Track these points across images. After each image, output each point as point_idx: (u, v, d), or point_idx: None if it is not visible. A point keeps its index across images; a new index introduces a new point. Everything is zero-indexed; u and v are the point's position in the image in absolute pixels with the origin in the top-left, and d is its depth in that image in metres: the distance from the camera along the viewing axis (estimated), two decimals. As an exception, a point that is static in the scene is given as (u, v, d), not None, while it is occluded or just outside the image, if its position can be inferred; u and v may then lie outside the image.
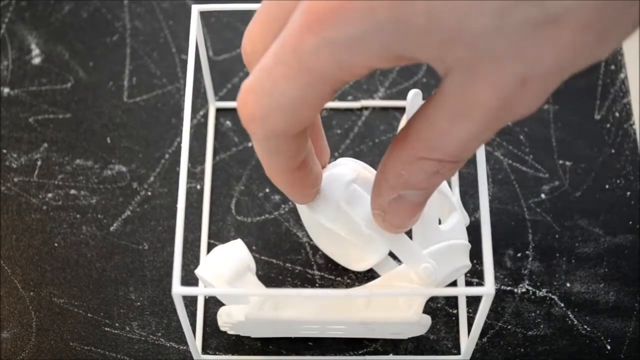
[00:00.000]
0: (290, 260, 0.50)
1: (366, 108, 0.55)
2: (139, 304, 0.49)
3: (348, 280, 0.50)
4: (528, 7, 0.28)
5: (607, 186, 0.52)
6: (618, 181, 0.53)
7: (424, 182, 0.35)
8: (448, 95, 0.31)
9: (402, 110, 0.55)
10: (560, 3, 0.28)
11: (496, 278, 0.50)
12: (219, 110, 0.55)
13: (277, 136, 0.34)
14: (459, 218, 0.45)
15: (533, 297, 0.49)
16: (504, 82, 0.30)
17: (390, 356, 0.48)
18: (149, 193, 0.53)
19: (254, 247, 0.51)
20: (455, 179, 0.52)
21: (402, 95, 0.55)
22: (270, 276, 0.50)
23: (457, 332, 0.48)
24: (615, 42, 0.30)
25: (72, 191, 0.53)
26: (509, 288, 0.50)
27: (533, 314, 0.49)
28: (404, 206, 0.36)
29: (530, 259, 0.50)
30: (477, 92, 0.30)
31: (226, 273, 0.44)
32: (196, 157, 0.53)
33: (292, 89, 0.32)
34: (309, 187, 0.39)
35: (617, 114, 0.55)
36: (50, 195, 0.52)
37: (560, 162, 0.53)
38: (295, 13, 0.31)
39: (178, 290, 0.39)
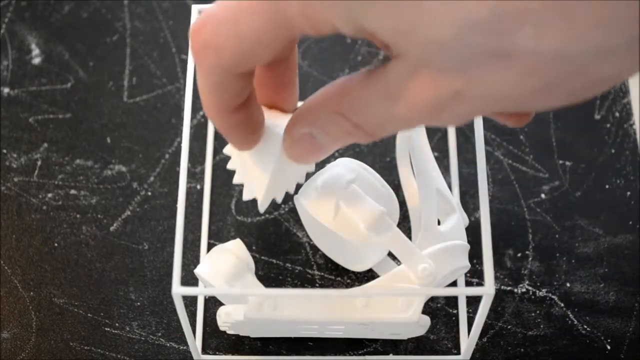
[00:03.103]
0: (290, 260, 0.50)
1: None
2: (139, 304, 0.49)
3: (348, 281, 0.50)
4: (486, 36, 0.29)
5: (607, 186, 0.52)
6: (618, 181, 0.53)
7: (335, 134, 0.36)
8: (390, 75, 0.32)
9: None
10: (517, 43, 0.29)
11: (496, 278, 0.50)
12: (219, 110, 0.55)
13: (223, 70, 0.34)
14: (458, 219, 0.45)
15: (533, 297, 0.49)
16: (440, 90, 0.31)
17: (390, 356, 0.48)
18: (149, 193, 0.53)
19: (254, 247, 0.51)
20: (455, 179, 0.52)
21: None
22: (270, 276, 0.50)
23: (457, 332, 0.48)
24: (562, 100, 0.31)
25: (72, 191, 0.53)
26: (509, 288, 0.50)
27: (533, 314, 0.49)
28: (311, 143, 0.37)
29: (530, 259, 0.50)
30: (414, 88, 0.31)
31: (225, 273, 0.44)
32: (196, 157, 0.53)
33: (254, 23, 0.32)
34: (248, 132, 0.39)
35: (617, 114, 0.55)
36: (50, 195, 0.52)
37: (560, 162, 0.53)
38: None
39: (178, 290, 0.39)
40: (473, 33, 0.29)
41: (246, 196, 0.44)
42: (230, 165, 0.44)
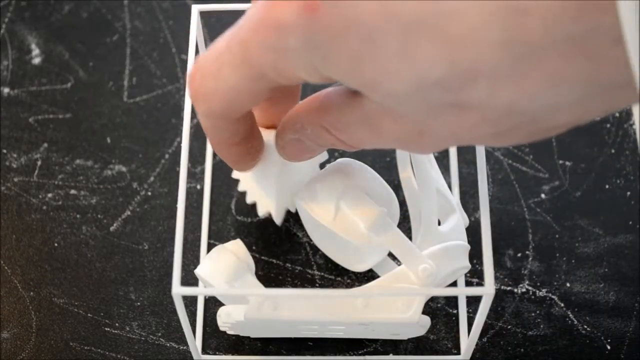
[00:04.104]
0: (290, 260, 0.50)
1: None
2: (139, 304, 0.49)
3: (348, 281, 0.50)
4: (443, 90, 0.30)
5: (607, 186, 0.52)
6: (618, 181, 0.53)
7: (322, 143, 0.38)
8: (366, 106, 0.34)
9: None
10: (472, 97, 0.30)
11: (496, 278, 0.50)
12: (219, 110, 0.55)
13: (217, 116, 0.37)
14: (458, 219, 0.45)
15: (533, 297, 0.49)
16: (404, 129, 0.34)
17: (390, 356, 0.48)
18: (149, 193, 0.53)
19: (254, 247, 0.51)
20: (455, 179, 0.52)
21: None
22: (270, 276, 0.50)
23: (457, 332, 0.48)
24: (521, 141, 0.33)
25: (72, 191, 0.53)
26: (509, 288, 0.50)
27: (533, 314, 0.49)
28: (299, 147, 0.40)
29: (530, 259, 0.50)
30: (386, 124, 0.34)
31: (225, 273, 0.44)
32: (196, 157, 0.53)
33: (233, 77, 0.34)
34: (248, 161, 0.42)
35: (617, 114, 0.55)
36: (50, 195, 0.52)
37: (560, 162, 0.53)
38: (250, 9, 0.34)
39: (178, 290, 0.39)
40: (430, 88, 0.30)
41: (261, 213, 0.47)
42: (240, 188, 0.48)
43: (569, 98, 0.30)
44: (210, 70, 0.35)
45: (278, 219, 0.47)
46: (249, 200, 0.48)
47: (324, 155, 0.48)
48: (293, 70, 0.33)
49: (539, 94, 0.30)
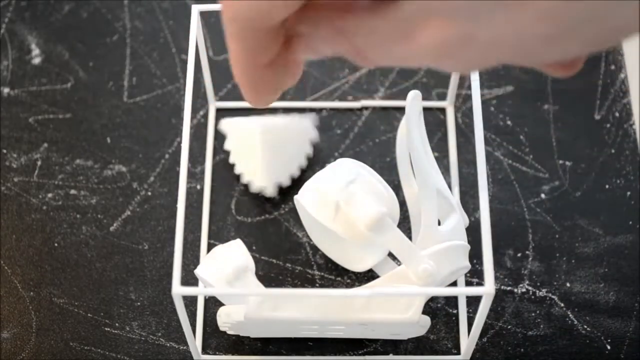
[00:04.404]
0: (290, 260, 0.50)
1: (366, 108, 0.55)
2: (139, 304, 0.49)
3: (348, 281, 0.50)
4: None
5: (607, 186, 0.52)
6: (618, 181, 0.53)
7: (331, 47, 0.34)
8: (402, 9, 0.31)
9: (402, 110, 0.55)
10: None
11: (496, 278, 0.50)
12: (219, 110, 0.55)
13: (245, 22, 0.33)
14: (459, 219, 0.45)
15: (533, 297, 0.49)
16: (450, 34, 0.30)
17: (390, 356, 0.48)
18: (149, 193, 0.53)
19: (254, 247, 0.51)
20: (455, 179, 0.52)
21: (402, 96, 0.55)
22: (270, 276, 0.50)
23: (457, 332, 0.48)
24: (574, 50, 0.30)
25: (72, 191, 0.53)
26: (509, 288, 0.50)
27: (533, 314, 0.49)
28: (307, 44, 0.35)
29: (530, 259, 0.50)
30: (425, 29, 0.31)
31: (225, 273, 0.44)
32: (196, 157, 0.53)
33: None
34: (270, 92, 0.37)
35: (617, 114, 0.55)
36: (50, 195, 0.52)
37: (560, 162, 0.53)
38: None
39: (178, 290, 0.39)
40: None
41: (255, 189, 0.51)
42: (237, 170, 0.52)
43: None
44: None
45: (270, 191, 0.51)
46: (244, 180, 0.52)
47: (314, 135, 0.52)
48: None
49: None
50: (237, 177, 0.52)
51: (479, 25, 0.30)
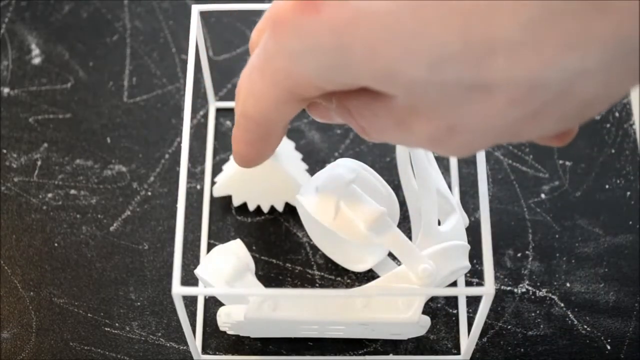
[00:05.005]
0: (290, 260, 0.50)
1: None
2: (139, 304, 0.49)
3: (348, 281, 0.50)
4: (460, 68, 0.29)
5: (607, 186, 0.52)
6: (618, 181, 0.53)
7: (343, 120, 0.37)
8: (395, 103, 0.33)
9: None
10: (492, 74, 0.29)
11: (496, 278, 0.50)
12: (219, 110, 0.55)
13: (248, 118, 0.37)
14: (459, 219, 0.45)
15: (533, 297, 0.49)
16: (434, 125, 0.32)
17: (390, 356, 0.48)
18: (149, 193, 0.53)
19: (254, 247, 0.51)
20: (455, 179, 0.52)
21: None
22: (270, 276, 0.50)
23: (457, 332, 0.48)
24: (557, 126, 0.31)
25: (72, 191, 0.53)
26: (509, 288, 0.50)
27: (533, 314, 0.49)
28: (323, 111, 0.39)
29: (530, 259, 0.50)
30: (415, 122, 0.33)
31: (225, 273, 0.44)
32: (196, 157, 0.53)
33: (259, 82, 0.35)
34: (259, 158, 0.41)
35: (617, 114, 0.55)
36: (50, 195, 0.52)
37: (560, 162, 0.53)
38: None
39: (178, 290, 0.39)
40: (446, 66, 0.29)
41: (251, 207, 0.51)
42: (223, 193, 0.51)
43: (589, 63, 0.29)
44: (246, 74, 0.36)
45: (266, 209, 0.51)
46: (235, 203, 0.51)
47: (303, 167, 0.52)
48: (306, 76, 0.33)
49: (558, 61, 0.29)
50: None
51: (460, 116, 0.32)
